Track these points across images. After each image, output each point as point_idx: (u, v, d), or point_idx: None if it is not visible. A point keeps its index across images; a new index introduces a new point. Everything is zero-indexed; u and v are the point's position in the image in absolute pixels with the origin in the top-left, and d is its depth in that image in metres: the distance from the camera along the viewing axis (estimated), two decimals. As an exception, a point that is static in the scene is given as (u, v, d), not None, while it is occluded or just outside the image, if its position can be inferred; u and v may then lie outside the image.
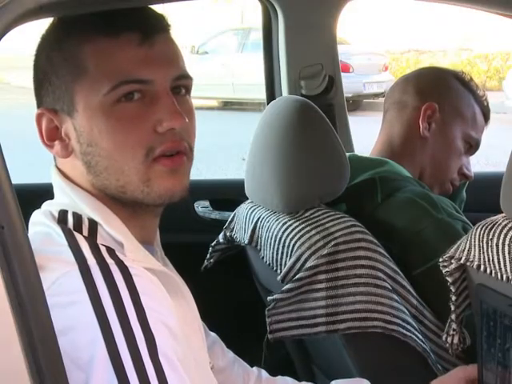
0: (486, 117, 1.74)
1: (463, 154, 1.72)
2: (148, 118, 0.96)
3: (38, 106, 1.01)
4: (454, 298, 1.21)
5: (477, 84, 1.75)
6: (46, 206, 1.03)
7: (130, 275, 0.89)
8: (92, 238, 0.94)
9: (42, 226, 0.98)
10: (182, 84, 1.01)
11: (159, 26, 1.00)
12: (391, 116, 1.73)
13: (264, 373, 1.33)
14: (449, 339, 1.25)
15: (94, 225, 0.97)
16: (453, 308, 1.22)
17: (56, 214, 0.98)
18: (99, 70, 0.95)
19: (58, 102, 0.98)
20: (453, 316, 1.23)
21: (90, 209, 0.98)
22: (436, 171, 1.70)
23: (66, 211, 0.98)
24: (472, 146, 1.73)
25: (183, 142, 0.99)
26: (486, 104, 1.74)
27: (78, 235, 0.94)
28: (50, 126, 1.00)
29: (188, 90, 1.02)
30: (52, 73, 0.98)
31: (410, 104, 1.70)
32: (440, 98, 1.68)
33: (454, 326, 1.23)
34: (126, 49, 0.96)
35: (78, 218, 0.97)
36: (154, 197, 0.98)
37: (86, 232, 0.95)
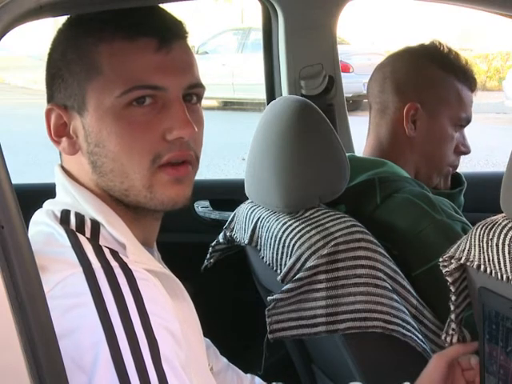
0: (472, 85, 1.67)
1: (455, 135, 1.67)
2: (158, 125, 0.96)
3: (49, 100, 1.01)
4: (453, 297, 1.21)
5: (455, 52, 1.66)
6: (48, 205, 1.02)
7: (135, 279, 0.88)
8: (95, 240, 0.94)
9: (43, 225, 0.98)
10: (194, 92, 1.01)
11: (177, 32, 1.00)
12: (375, 117, 1.70)
13: (257, 379, 1.32)
14: (448, 339, 1.25)
15: (96, 226, 0.96)
16: (452, 308, 1.22)
17: (58, 214, 0.98)
18: (114, 72, 0.95)
19: (69, 99, 0.98)
20: (452, 316, 1.23)
21: (92, 209, 0.98)
22: (431, 164, 1.67)
23: (69, 211, 0.98)
24: (463, 125, 1.68)
25: (190, 151, 0.99)
26: (469, 72, 1.66)
27: (81, 237, 0.93)
28: (59, 122, 0.99)
29: (199, 98, 1.02)
30: (65, 69, 0.98)
31: (390, 105, 1.66)
32: (421, 95, 1.63)
33: (453, 325, 1.23)
34: (142, 53, 0.96)
35: (80, 218, 0.97)
36: (157, 203, 0.99)
37: (88, 233, 0.95)
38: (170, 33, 0.98)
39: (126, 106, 0.95)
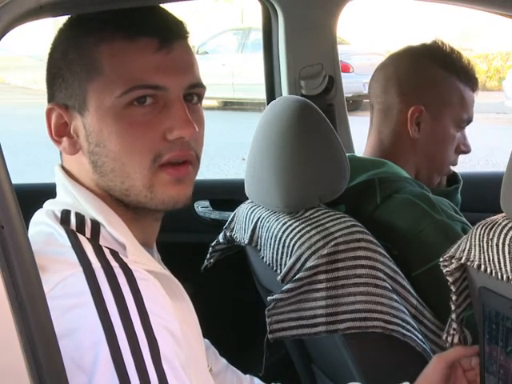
0: (474, 85, 1.66)
1: (456, 136, 1.67)
2: (158, 125, 0.96)
3: (49, 100, 1.01)
4: (454, 297, 1.21)
5: (457, 52, 1.65)
6: (49, 205, 1.02)
7: (135, 279, 0.88)
8: (95, 240, 0.94)
9: (43, 225, 0.97)
10: (194, 92, 1.01)
11: (178, 32, 1.00)
12: (377, 118, 1.69)
13: (257, 380, 1.32)
14: (449, 339, 1.25)
15: (96, 226, 0.96)
16: (453, 308, 1.22)
17: (59, 214, 0.98)
18: (114, 72, 0.96)
19: (70, 99, 0.98)
20: (453, 316, 1.23)
21: (93, 209, 0.98)
22: (433, 164, 1.68)
23: (69, 211, 0.98)
24: (464, 125, 1.68)
25: (191, 151, 0.99)
26: (471, 72, 1.65)
27: (81, 237, 0.93)
28: (60, 121, 0.99)
29: (200, 98, 1.03)
30: (66, 69, 0.98)
31: (394, 107, 1.65)
32: (424, 97, 1.63)
33: (454, 325, 1.23)
34: (143, 53, 0.96)
35: (80, 218, 0.97)
36: (157, 203, 0.99)
37: (88, 233, 0.95)
38: (171, 33, 0.98)
39: (126, 106, 0.95)
